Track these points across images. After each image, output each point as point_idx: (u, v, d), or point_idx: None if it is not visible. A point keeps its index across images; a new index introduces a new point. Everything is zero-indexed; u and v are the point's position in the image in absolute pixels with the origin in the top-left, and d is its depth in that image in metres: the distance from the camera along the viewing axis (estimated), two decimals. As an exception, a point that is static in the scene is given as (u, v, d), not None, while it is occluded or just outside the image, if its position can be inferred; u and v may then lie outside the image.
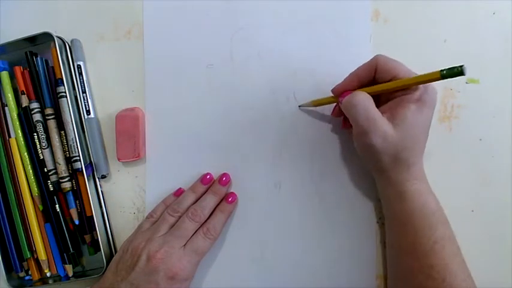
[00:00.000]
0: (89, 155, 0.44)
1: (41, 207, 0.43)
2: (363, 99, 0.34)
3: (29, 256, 0.43)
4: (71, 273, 0.43)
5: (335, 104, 0.40)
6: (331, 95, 0.39)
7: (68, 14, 0.46)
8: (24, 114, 0.43)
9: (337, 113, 0.40)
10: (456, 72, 0.29)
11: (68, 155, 0.43)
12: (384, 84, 0.35)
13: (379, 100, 0.37)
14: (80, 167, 0.42)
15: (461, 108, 0.42)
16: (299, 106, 0.42)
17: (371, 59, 0.36)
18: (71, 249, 0.43)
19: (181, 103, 0.44)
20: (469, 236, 0.41)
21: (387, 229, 0.39)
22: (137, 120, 0.43)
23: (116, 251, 0.44)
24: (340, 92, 0.38)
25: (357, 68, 0.37)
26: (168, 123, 0.44)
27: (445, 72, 0.30)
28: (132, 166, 0.45)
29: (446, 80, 0.42)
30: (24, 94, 0.43)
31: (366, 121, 0.34)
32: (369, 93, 0.36)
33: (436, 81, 0.32)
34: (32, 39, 0.43)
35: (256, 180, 0.43)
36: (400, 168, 0.35)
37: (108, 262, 0.42)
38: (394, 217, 0.37)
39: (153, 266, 0.37)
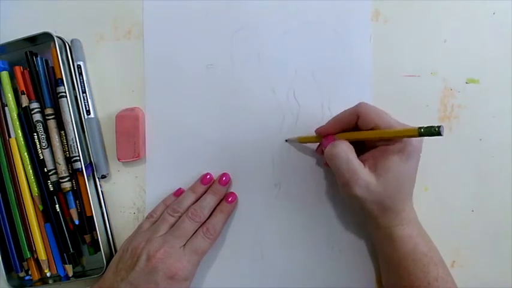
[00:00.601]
0: (89, 155, 0.44)
1: (41, 207, 0.43)
2: (345, 150, 0.35)
3: (29, 256, 0.43)
4: (71, 273, 0.43)
5: (319, 143, 0.41)
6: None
7: (68, 14, 0.46)
8: (24, 114, 0.43)
9: (321, 151, 0.40)
10: (433, 132, 0.29)
11: (68, 155, 0.43)
12: (365, 133, 0.35)
13: (364, 145, 0.37)
14: (80, 167, 0.42)
15: (461, 108, 0.42)
16: (286, 140, 0.43)
17: (354, 106, 0.36)
18: (71, 249, 0.43)
19: (181, 103, 0.44)
20: (469, 236, 0.42)
21: (382, 270, 0.39)
22: (137, 120, 0.43)
23: (116, 251, 0.44)
24: (324, 134, 0.38)
25: (341, 113, 0.37)
26: (168, 123, 0.44)
27: (422, 130, 0.30)
28: (132, 166, 0.45)
29: (446, 80, 0.42)
30: (24, 94, 0.43)
31: (347, 172, 0.34)
32: (350, 139, 0.36)
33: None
34: (32, 39, 0.43)
35: (256, 180, 0.43)
36: (387, 215, 0.35)
37: (108, 262, 0.42)
38: (386, 260, 0.37)
39: (153, 266, 0.37)
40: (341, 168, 0.34)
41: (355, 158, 0.35)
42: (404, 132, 0.33)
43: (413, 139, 0.34)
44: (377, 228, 0.37)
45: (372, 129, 0.35)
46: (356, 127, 0.36)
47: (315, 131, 0.39)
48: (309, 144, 0.43)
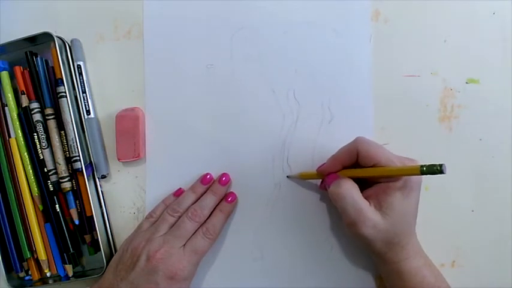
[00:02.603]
0: (89, 155, 0.44)
1: (41, 207, 0.43)
2: (350, 190, 0.35)
3: (29, 256, 0.43)
4: (71, 273, 0.43)
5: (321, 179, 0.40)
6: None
7: (68, 14, 0.46)
8: (24, 114, 0.43)
9: (324, 188, 0.40)
10: (436, 170, 0.29)
11: (68, 155, 0.43)
12: (367, 171, 0.35)
13: (366, 180, 0.37)
14: (80, 167, 0.42)
15: (461, 108, 0.42)
16: (287, 176, 0.42)
17: (352, 143, 0.36)
18: (71, 249, 0.43)
19: (181, 103, 0.44)
20: (469, 236, 0.42)
21: None
22: (137, 120, 0.43)
23: (116, 251, 0.44)
24: (326, 173, 0.38)
25: (339, 151, 0.37)
26: (168, 123, 0.44)
27: (424, 169, 0.30)
28: (132, 166, 0.45)
29: (446, 80, 0.42)
30: (24, 94, 0.43)
31: (354, 212, 0.34)
32: (353, 176, 0.36)
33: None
34: (32, 39, 0.43)
35: (256, 180, 0.43)
36: (394, 250, 0.35)
37: (108, 262, 0.42)
38: None
39: (153, 266, 0.37)
40: (347, 208, 0.34)
41: (361, 197, 0.35)
42: (406, 171, 0.33)
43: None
44: (384, 263, 0.37)
45: (372, 166, 0.35)
46: (356, 163, 0.36)
47: (317, 170, 0.39)
48: (310, 143, 0.43)
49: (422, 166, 0.30)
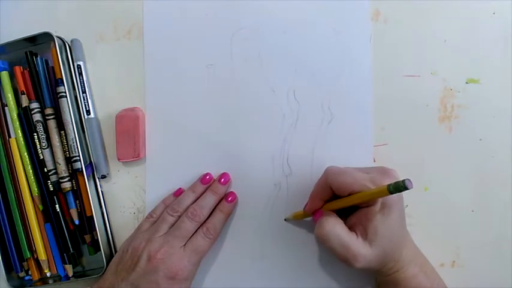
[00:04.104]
0: (89, 155, 0.44)
1: (41, 207, 0.43)
2: (333, 228, 0.34)
3: (29, 256, 0.43)
4: (71, 273, 0.43)
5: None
6: None
7: (68, 14, 0.46)
8: (24, 114, 0.43)
9: None
10: (401, 187, 0.29)
11: (68, 155, 0.43)
12: (345, 202, 0.35)
13: (350, 207, 0.37)
14: (80, 167, 0.42)
15: (461, 108, 0.42)
16: (285, 219, 0.42)
17: (322, 176, 0.37)
18: (71, 249, 0.43)
19: (181, 103, 0.44)
20: (469, 236, 0.42)
21: None
22: (137, 120, 0.43)
23: (116, 251, 0.44)
24: (312, 211, 0.38)
25: (315, 188, 0.38)
26: (168, 123, 0.44)
27: (391, 188, 0.30)
28: (132, 166, 0.45)
29: (446, 80, 0.42)
30: (24, 94, 0.43)
31: (342, 250, 0.34)
32: (335, 209, 0.36)
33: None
34: (32, 39, 0.43)
35: (256, 180, 0.43)
36: (388, 265, 0.36)
37: (108, 262, 0.42)
38: None
39: (154, 266, 0.37)
40: (335, 248, 0.34)
41: (346, 232, 0.34)
42: (376, 194, 0.33)
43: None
44: (379, 276, 0.37)
45: (348, 194, 0.35)
46: (334, 195, 0.36)
47: (303, 210, 0.40)
48: (310, 142, 0.43)
49: (389, 185, 0.30)
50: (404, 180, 0.29)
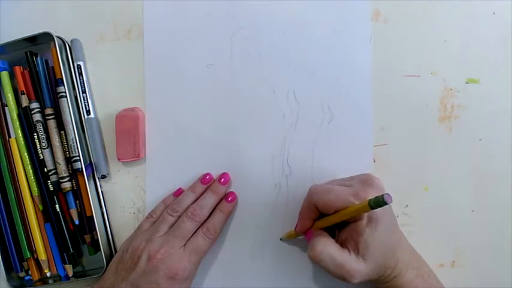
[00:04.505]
0: (89, 155, 0.44)
1: (41, 207, 0.43)
2: (324, 249, 0.34)
3: (29, 256, 0.43)
4: (71, 273, 0.43)
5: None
6: None
7: (68, 14, 0.46)
8: (24, 114, 0.43)
9: None
10: (380, 202, 0.30)
11: (68, 155, 0.43)
12: (330, 220, 0.36)
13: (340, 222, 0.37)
14: (80, 167, 0.42)
15: (461, 108, 0.42)
16: (280, 239, 0.43)
17: (307, 196, 0.37)
18: (71, 249, 0.43)
19: (181, 103, 0.44)
20: (469, 236, 0.42)
21: None
22: (137, 120, 0.43)
23: (116, 251, 0.44)
24: (303, 231, 0.39)
25: (302, 207, 0.38)
26: (168, 123, 0.44)
27: (372, 203, 0.30)
28: (132, 166, 0.45)
29: (446, 80, 0.42)
30: (24, 94, 0.43)
31: (337, 270, 0.34)
32: (324, 227, 0.36)
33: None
34: (32, 39, 0.43)
35: (256, 180, 0.43)
36: (384, 274, 0.36)
37: (108, 262, 0.42)
38: None
39: (154, 266, 0.37)
40: (329, 268, 0.34)
41: (337, 250, 0.34)
42: (360, 210, 0.33)
43: None
44: (378, 283, 0.37)
45: (334, 211, 0.35)
46: (321, 214, 0.37)
47: (294, 230, 0.40)
48: (310, 142, 0.43)
49: (370, 201, 0.30)
50: (383, 195, 0.29)
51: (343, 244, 0.35)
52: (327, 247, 0.35)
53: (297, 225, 0.40)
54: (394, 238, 0.36)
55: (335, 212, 0.35)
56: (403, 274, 0.36)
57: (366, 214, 0.34)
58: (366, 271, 0.34)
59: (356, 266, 0.34)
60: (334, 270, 0.34)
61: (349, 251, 0.35)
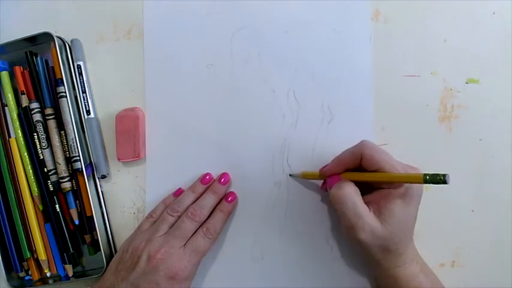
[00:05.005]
0: (89, 155, 0.44)
1: (41, 207, 0.43)
2: (351, 193, 0.34)
3: (29, 256, 0.43)
4: (71, 273, 0.43)
5: (323, 180, 0.40)
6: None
7: (68, 14, 0.46)
8: (24, 114, 0.43)
9: (326, 189, 0.40)
10: (439, 180, 0.30)
11: (68, 155, 0.43)
12: (370, 175, 0.35)
13: (367, 184, 0.37)
14: (80, 167, 0.42)
15: (461, 108, 0.42)
16: (290, 175, 0.42)
17: (357, 146, 0.36)
18: (71, 249, 0.43)
19: (181, 103, 0.44)
20: (469, 236, 0.42)
21: None
22: (137, 120, 0.43)
23: (116, 251, 0.44)
24: (328, 174, 0.38)
25: (343, 153, 0.37)
26: (168, 123, 0.44)
27: (428, 178, 0.30)
28: (132, 166, 0.45)
29: (446, 80, 0.42)
30: (24, 94, 0.43)
31: (353, 217, 0.34)
32: (355, 180, 0.36)
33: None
34: (32, 39, 0.43)
35: (256, 180, 0.43)
36: (390, 257, 0.36)
37: (108, 262, 0.42)
38: None
39: (154, 266, 0.37)
40: (347, 211, 0.34)
41: (361, 201, 0.35)
42: (409, 179, 0.33)
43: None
44: (379, 268, 0.37)
45: (375, 170, 0.35)
46: (360, 167, 0.36)
47: (319, 171, 0.39)
48: (310, 142, 0.43)
49: (425, 175, 0.30)
50: (445, 174, 0.29)
51: (366, 204, 0.35)
52: (353, 193, 0.35)
53: (324, 167, 0.39)
54: (412, 225, 0.36)
55: (375, 171, 0.34)
56: (407, 266, 0.36)
57: (404, 186, 0.34)
58: (378, 233, 0.34)
59: (372, 222, 0.34)
60: (350, 215, 0.34)
61: (370, 210, 0.34)
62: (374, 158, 0.35)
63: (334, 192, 0.35)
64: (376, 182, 0.36)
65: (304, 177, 0.42)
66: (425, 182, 0.30)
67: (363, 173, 0.36)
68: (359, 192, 0.35)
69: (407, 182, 0.34)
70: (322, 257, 0.42)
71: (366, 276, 0.41)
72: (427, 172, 0.31)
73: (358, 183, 0.36)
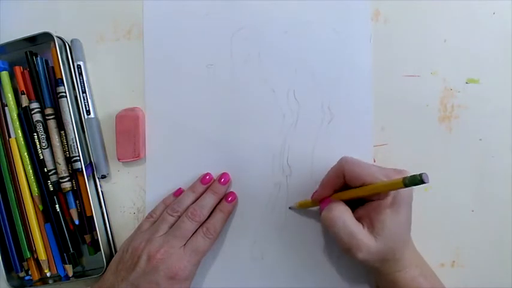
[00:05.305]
0: (89, 155, 0.44)
1: (41, 207, 0.43)
2: (341, 214, 0.34)
3: (29, 256, 0.43)
4: (71, 273, 0.43)
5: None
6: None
7: (68, 14, 0.46)
8: (24, 114, 0.43)
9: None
10: (417, 181, 0.29)
11: (68, 155, 0.43)
12: (355, 192, 0.35)
13: (359, 199, 0.37)
14: (80, 167, 0.42)
15: (461, 108, 0.42)
16: (289, 207, 0.42)
17: (337, 164, 0.37)
18: (71, 249, 0.43)
19: (181, 103, 0.44)
20: (469, 236, 0.42)
21: None
22: (137, 120, 0.43)
23: (116, 251, 0.44)
24: (320, 199, 0.38)
25: (327, 175, 0.38)
26: (168, 123, 0.44)
27: (407, 181, 0.30)
28: (132, 166, 0.45)
29: (446, 80, 0.42)
30: (24, 94, 0.43)
31: (347, 237, 0.34)
32: (344, 199, 0.36)
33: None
34: (32, 39, 0.43)
35: (256, 180, 0.43)
36: (389, 264, 0.36)
37: (108, 262, 0.42)
38: None
39: (154, 266, 0.37)
40: (339, 232, 0.34)
41: (353, 220, 0.34)
42: (390, 186, 0.33)
43: (402, 189, 0.34)
44: (379, 274, 0.37)
45: (361, 185, 0.35)
46: (345, 185, 0.36)
47: (311, 198, 0.40)
48: (310, 142, 0.43)
49: (405, 178, 0.30)
50: (421, 173, 0.29)
51: (358, 220, 0.35)
52: (344, 214, 0.34)
53: (314, 193, 0.39)
54: (408, 230, 0.36)
55: (361, 186, 0.35)
56: (407, 270, 0.36)
57: (390, 195, 0.34)
58: (374, 249, 0.34)
59: (366, 240, 0.34)
60: (344, 238, 0.34)
61: (363, 226, 0.34)
62: (355, 174, 0.35)
63: (324, 215, 0.35)
64: (364, 196, 0.35)
65: (301, 207, 0.42)
66: (406, 185, 0.30)
67: (349, 191, 0.36)
68: (349, 211, 0.35)
69: (390, 190, 0.34)
70: (322, 257, 0.42)
71: (366, 277, 0.41)
72: (407, 176, 0.31)
73: (349, 200, 0.36)
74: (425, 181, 0.29)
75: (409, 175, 0.30)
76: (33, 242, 0.43)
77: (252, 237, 0.43)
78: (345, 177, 0.36)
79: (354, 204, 0.37)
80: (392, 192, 0.34)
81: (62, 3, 0.46)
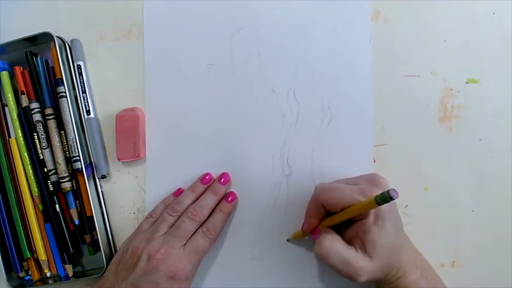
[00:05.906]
0: (89, 155, 0.44)
1: (41, 207, 0.43)
2: (331, 245, 0.34)
3: (29, 256, 0.43)
4: (71, 273, 0.43)
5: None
6: None
7: (68, 14, 0.46)
8: (24, 114, 0.43)
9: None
10: (387, 198, 0.29)
11: (68, 155, 0.43)
12: (338, 218, 0.35)
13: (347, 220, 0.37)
14: (80, 167, 0.42)
15: (461, 108, 0.42)
16: (287, 240, 0.42)
17: (313, 195, 0.37)
18: (71, 249, 0.43)
19: (181, 103, 0.44)
20: (469, 236, 0.42)
21: None
22: (137, 120, 0.43)
23: (116, 251, 0.44)
24: (309, 230, 0.38)
25: (308, 207, 0.38)
26: (168, 123, 0.44)
27: (378, 200, 0.30)
28: (132, 166, 0.45)
29: (446, 80, 0.42)
30: (24, 94, 0.43)
31: (344, 267, 0.34)
32: (331, 225, 0.36)
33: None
34: (32, 39, 0.43)
35: (256, 180, 0.43)
36: (389, 274, 0.36)
37: (108, 262, 0.42)
38: None
39: (153, 266, 0.37)
40: (336, 264, 0.34)
41: (344, 247, 0.34)
42: (366, 207, 0.33)
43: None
44: (381, 283, 0.37)
45: (341, 209, 0.35)
46: (328, 212, 0.37)
47: (301, 230, 0.40)
48: (310, 142, 0.43)
49: (376, 197, 0.30)
50: (389, 190, 0.29)
51: (349, 242, 0.35)
52: (334, 244, 0.34)
53: (303, 225, 0.40)
54: (400, 237, 0.36)
55: (341, 210, 0.35)
56: (408, 274, 0.36)
57: (372, 212, 0.34)
58: (372, 269, 0.34)
59: (363, 263, 0.34)
60: (341, 267, 0.34)
61: (356, 249, 0.34)
62: (332, 200, 0.35)
63: (316, 251, 0.35)
64: (348, 219, 0.35)
65: (296, 238, 0.42)
66: (379, 204, 0.30)
67: (333, 217, 0.36)
68: (339, 239, 0.35)
69: (366, 210, 0.34)
70: (322, 257, 0.42)
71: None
72: (377, 194, 0.31)
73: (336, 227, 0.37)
74: (394, 197, 0.29)
75: (381, 191, 0.31)
76: (33, 242, 0.43)
77: (252, 237, 0.43)
78: (324, 206, 0.36)
79: (345, 223, 0.37)
80: (371, 211, 0.34)
81: (62, 3, 0.46)
